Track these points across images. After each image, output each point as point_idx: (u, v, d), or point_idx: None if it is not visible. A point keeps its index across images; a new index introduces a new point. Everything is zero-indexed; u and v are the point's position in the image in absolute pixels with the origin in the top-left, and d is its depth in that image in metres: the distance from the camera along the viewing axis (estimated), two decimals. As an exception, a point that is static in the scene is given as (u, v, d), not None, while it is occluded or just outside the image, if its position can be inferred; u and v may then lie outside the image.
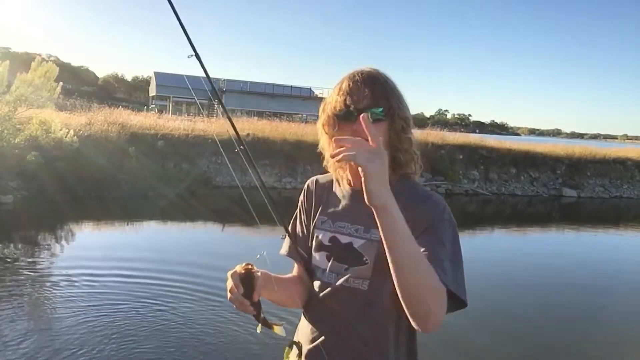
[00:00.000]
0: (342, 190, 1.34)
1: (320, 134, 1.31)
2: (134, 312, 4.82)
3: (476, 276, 6.99)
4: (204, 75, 1.42)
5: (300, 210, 1.43)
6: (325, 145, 1.30)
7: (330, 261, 1.29)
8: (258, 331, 1.24)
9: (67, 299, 5.06)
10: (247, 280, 1.16)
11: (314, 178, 1.45)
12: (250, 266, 1.18)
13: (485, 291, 6.28)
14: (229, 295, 1.17)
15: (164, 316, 4.78)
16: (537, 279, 7.22)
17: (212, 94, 1.58)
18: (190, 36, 1.39)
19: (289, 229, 1.43)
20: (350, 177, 1.30)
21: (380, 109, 1.20)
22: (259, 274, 1.18)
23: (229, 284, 1.17)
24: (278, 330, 1.24)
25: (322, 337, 1.29)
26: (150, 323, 4.60)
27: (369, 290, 1.23)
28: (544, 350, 4.74)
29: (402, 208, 1.04)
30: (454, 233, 1.21)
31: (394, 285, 1.08)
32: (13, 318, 4.58)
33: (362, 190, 1.08)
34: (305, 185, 1.45)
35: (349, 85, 1.22)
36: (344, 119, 1.22)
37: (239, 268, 1.18)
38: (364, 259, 1.24)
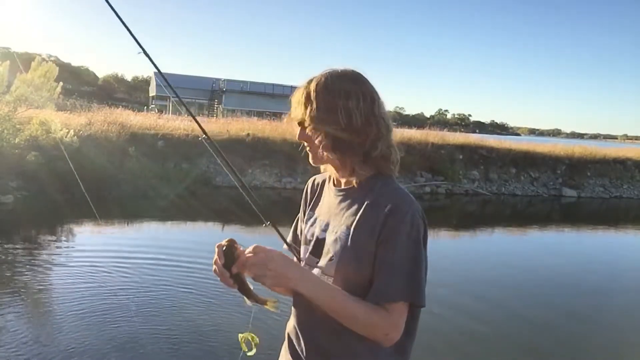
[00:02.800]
0: (328, 188, 1.43)
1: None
2: (133, 310, 4.82)
3: (476, 276, 7.00)
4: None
5: (301, 209, 1.54)
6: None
7: (307, 254, 1.39)
8: (249, 304, 1.28)
9: (67, 298, 5.06)
10: (227, 252, 1.23)
11: (313, 177, 1.54)
12: (232, 241, 1.24)
13: (486, 291, 6.29)
14: (213, 266, 1.25)
15: (165, 314, 4.79)
16: (537, 279, 7.23)
17: (166, 87, 1.68)
18: (136, 35, 1.51)
19: (293, 225, 1.55)
20: (333, 176, 1.41)
21: (307, 123, 1.29)
22: (241, 249, 1.23)
23: (214, 259, 1.24)
24: (270, 306, 1.29)
25: (298, 328, 1.38)
26: (150, 321, 4.61)
27: None
28: (544, 349, 4.74)
29: (369, 208, 1.25)
30: (415, 235, 1.23)
31: (362, 286, 1.23)
32: (13, 317, 4.59)
33: (338, 188, 1.37)
34: (306, 185, 1.55)
35: (294, 96, 1.33)
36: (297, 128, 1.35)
37: (223, 241, 1.25)
38: (331, 255, 1.29)
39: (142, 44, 1.59)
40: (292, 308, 1.43)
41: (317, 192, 1.48)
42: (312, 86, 1.29)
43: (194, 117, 1.75)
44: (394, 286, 1.19)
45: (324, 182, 1.48)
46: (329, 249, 1.30)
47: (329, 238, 1.31)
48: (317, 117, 1.27)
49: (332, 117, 1.26)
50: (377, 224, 1.23)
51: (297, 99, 1.31)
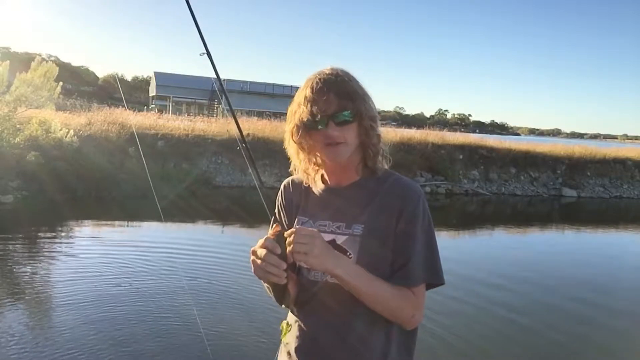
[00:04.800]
0: (318, 189, 1.38)
1: (287, 142, 1.35)
2: (133, 310, 4.82)
3: (476, 276, 6.99)
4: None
5: (279, 211, 1.46)
6: (294, 154, 1.36)
7: None
8: (283, 306, 1.28)
9: (67, 298, 5.06)
10: (281, 240, 1.16)
11: (289, 179, 1.48)
12: (278, 227, 1.18)
13: (485, 291, 6.28)
14: (259, 262, 1.16)
15: (163, 314, 4.78)
16: (536, 279, 7.22)
17: (220, 92, 1.64)
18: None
19: (269, 230, 1.47)
20: (326, 176, 1.38)
21: (348, 112, 1.24)
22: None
23: (260, 252, 1.16)
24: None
25: (313, 334, 1.32)
26: (148, 319, 4.60)
27: None
28: (543, 349, 4.74)
29: (379, 201, 1.27)
30: (428, 222, 1.30)
31: (380, 277, 1.24)
32: (13, 317, 4.58)
33: (338, 187, 1.34)
34: (282, 186, 1.48)
35: (312, 92, 1.25)
36: (312, 127, 1.26)
37: (270, 233, 1.18)
38: (348, 253, 1.27)
39: (207, 47, 1.55)
40: (294, 316, 1.39)
41: (303, 195, 1.41)
42: (352, 81, 1.27)
43: (237, 125, 1.61)
44: (417, 271, 1.25)
45: (306, 183, 1.42)
46: (345, 249, 1.28)
47: (341, 237, 1.29)
48: (365, 110, 1.26)
49: (371, 114, 1.29)
50: (392, 216, 1.26)
51: (341, 91, 1.24)
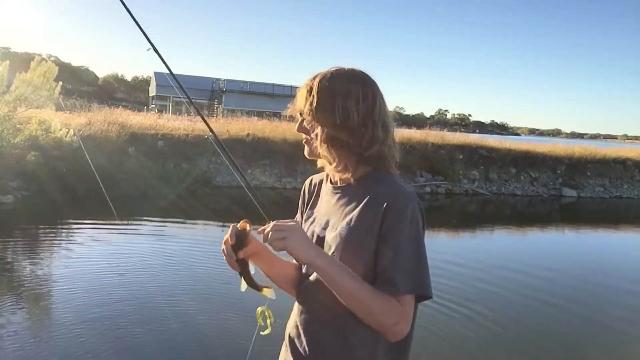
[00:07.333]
0: (326, 186, 1.44)
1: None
2: (133, 310, 4.83)
3: (476, 276, 7.00)
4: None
5: (299, 209, 1.55)
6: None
7: None
8: (242, 290, 1.34)
9: (67, 299, 5.07)
10: (239, 235, 1.26)
11: (310, 177, 1.56)
12: (247, 224, 1.27)
13: (485, 291, 6.29)
14: (222, 246, 1.29)
15: (163, 313, 4.78)
16: (536, 279, 7.22)
17: (179, 89, 1.71)
18: (139, 34, 1.54)
19: None
20: (330, 174, 1.42)
21: (303, 117, 1.34)
22: (252, 233, 1.28)
23: (226, 235, 1.28)
24: (267, 292, 1.34)
25: (300, 326, 1.38)
26: (148, 319, 4.61)
27: None
28: (543, 350, 4.74)
29: (369, 201, 1.26)
30: (416, 228, 1.24)
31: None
32: (13, 316, 4.59)
33: (335, 186, 1.38)
34: (304, 185, 1.56)
35: (300, 88, 1.36)
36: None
37: (240, 222, 1.28)
38: (332, 252, 1.29)
39: (151, 41, 1.60)
40: (295, 305, 1.44)
41: (315, 192, 1.49)
42: (316, 81, 1.32)
43: (202, 116, 1.77)
44: (402, 280, 1.20)
45: (321, 181, 1.49)
46: (330, 246, 1.30)
47: (329, 235, 1.32)
48: (315, 112, 1.30)
49: (330, 113, 1.28)
50: (377, 220, 1.24)
51: (301, 91, 1.34)
